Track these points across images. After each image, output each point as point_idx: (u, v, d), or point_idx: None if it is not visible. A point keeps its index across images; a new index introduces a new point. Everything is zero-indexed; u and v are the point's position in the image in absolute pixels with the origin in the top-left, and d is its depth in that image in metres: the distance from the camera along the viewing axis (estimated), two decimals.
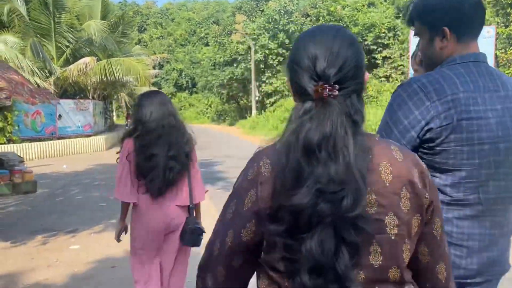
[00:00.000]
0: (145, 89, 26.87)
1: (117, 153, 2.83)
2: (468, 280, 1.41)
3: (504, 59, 10.97)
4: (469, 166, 1.36)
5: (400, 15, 22.71)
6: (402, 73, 20.31)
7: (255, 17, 31.83)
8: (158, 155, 2.53)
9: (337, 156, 0.91)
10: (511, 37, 11.41)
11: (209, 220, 5.72)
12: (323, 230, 0.89)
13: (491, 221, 1.41)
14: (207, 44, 56.05)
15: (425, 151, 1.38)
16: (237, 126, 32.78)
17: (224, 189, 8.40)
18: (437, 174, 1.38)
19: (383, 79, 20.60)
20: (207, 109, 45.20)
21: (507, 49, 11.37)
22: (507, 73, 11.65)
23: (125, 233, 2.91)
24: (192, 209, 2.78)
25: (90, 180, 9.99)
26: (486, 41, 10.21)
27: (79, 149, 16.41)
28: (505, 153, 1.38)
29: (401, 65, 20.51)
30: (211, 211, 6.60)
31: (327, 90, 0.95)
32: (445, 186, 1.38)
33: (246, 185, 1.03)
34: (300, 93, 1.00)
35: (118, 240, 2.90)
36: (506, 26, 11.68)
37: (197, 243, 2.72)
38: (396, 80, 20.23)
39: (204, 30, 61.30)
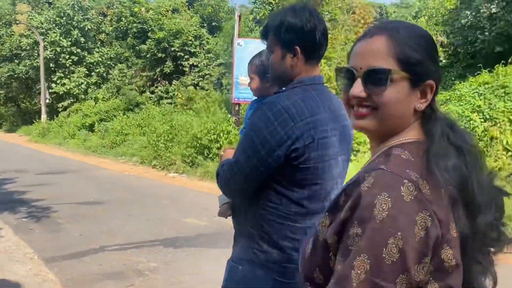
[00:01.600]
0: None
1: None
2: None
3: None
4: (321, 180, 1.51)
5: (205, 24, 22.99)
6: (210, 82, 20.46)
7: (42, 9, 27.82)
8: None
9: None
10: None
11: (29, 267, 4.07)
12: None
13: None
14: None
15: (288, 168, 1.48)
16: (19, 133, 27.96)
17: (31, 217, 6.48)
18: (296, 189, 1.50)
19: (191, 86, 20.32)
20: None
21: None
22: None
23: None
24: None
25: None
26: None
27: None
28: (343, 164, 1.61)
29: (208, 74, 20.65)
30: (25, 252, 4.88)
31: None
32: (302, 199, 1.50)
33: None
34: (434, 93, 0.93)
35: None
36: None
37: None
38: (203, 88, 20.24)
39: None
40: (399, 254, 0.76)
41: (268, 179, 1.50)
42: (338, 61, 13.32)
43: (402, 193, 0.79)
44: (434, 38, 9.03)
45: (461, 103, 8.99)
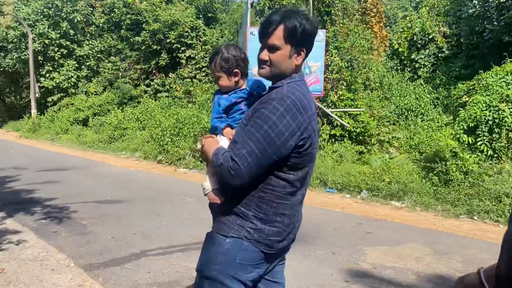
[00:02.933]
0: None
1: None
2: (288, 247, 1.92)
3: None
4: (311, 164, 1.83)
5: (201, 15, 22.36)
6: (206, 74, 19.90)
7: (28, 1, 26.77)
8: None
9: None
10: (327, 42, 12.08)
11: (69, 276, 3.64)
12: None
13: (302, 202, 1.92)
14: None
15: (294, 155, 1.73)
16: (6, 129, 27.00)
17: (50, 218, 5.96)
18: (292, 172, 1.76)
19: (188, 80, 19.73)
20: None
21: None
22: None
23: None
24: None
25: None
26: (317, 44, 10.40)
27: None
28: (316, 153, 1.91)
29: (205, 66, 20.08)
30: (58, 258, 4.41)
31: None
32: (296, 181, 1.78)
33: None
34: None
35: None
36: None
37: None
38: (200, 81, 19.67)
39: None
40: None
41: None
42: (348, 51, 12.97)
43: None
44: (436, 28, 8.82)
45: (488, 93, 8.72)
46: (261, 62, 1.82)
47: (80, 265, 4.18)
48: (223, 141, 1.92)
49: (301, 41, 1.75)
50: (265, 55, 1.79)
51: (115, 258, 4.37)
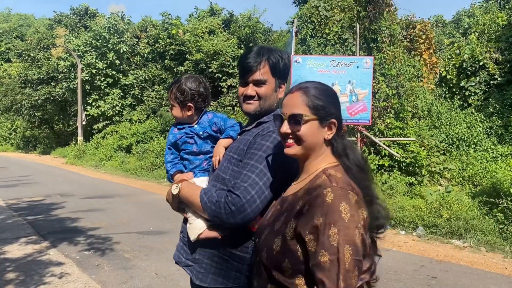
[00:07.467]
0: None
1: None
2: None
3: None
4: None
5: (242, 45, 22.59)
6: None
7: (78, 33, 28.03)
8: None
9: None
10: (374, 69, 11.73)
11: None
12: None
13: None
14: (8, 60, 48.32)
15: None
16: (54, 155, 27.90)
17: (93, 250, 5.80)
18: None
19: (229, 108, 19.81)
20: (10, 134, 37.89)
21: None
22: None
23: None
24: None
25: None
26: (365, 72, 10.07)
27: None
28: None
29: None
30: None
31: None
32: None
33: None
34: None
35: None
36: None
37: None
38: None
39: (5, 44, 52.87)
40: None
41: None
42: (394, 78, 12.56)
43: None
44: (487, 55, 8.27)
45: None
46: (247, 98, 1.74)
47: None
48: (199, 182, 1.77)
49: (283, 74, 1.77)
50: (252, 90, 1.73)
51: None
